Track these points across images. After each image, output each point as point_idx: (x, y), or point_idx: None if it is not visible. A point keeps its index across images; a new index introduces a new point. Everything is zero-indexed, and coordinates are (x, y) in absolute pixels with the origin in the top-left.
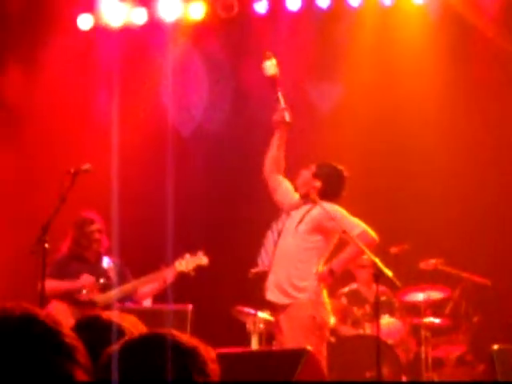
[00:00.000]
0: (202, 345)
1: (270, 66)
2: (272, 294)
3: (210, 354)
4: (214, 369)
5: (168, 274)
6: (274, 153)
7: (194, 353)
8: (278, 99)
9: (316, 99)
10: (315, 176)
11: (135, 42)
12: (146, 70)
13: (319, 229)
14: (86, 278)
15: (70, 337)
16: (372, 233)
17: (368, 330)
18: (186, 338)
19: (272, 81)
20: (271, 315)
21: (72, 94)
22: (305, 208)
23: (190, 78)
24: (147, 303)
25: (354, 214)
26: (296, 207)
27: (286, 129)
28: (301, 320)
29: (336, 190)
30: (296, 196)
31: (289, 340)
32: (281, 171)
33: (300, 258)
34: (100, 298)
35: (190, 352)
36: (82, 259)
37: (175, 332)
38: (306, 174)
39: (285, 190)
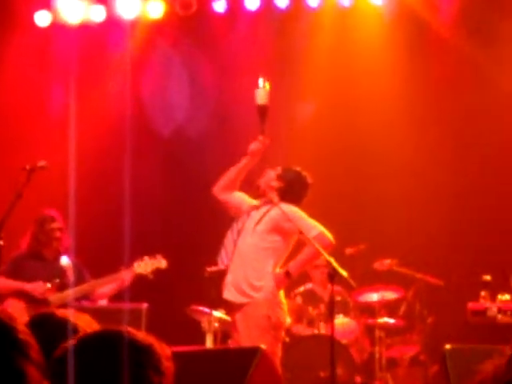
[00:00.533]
0: (158, 342)
1: (263, 95)
2: (229, 293)
3: (165, 351)
4: (168, 367)
5: (126, 276)
6: (233, 176)
7: (149, 350)
8: (262, 131)
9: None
10: (279, 177)
11: (93, 39)
12: (104, 68)
13: (277, 229)
14: (38, 285)
15: (24, 333)
16: (329, 235)
17: (322, 329)
18: (141, 335)
19: (261, 110)
20: (227, 314)
21: (29, 90)
22: (264, 208)
23: (149, 75)
24: (103, 301)
25: (311, 214)
26: (256, 208)
27: (256, 160)
28: (256, 319)
29: (297, 194)
30: (252, 200)
31: (244, 339)
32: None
33: (257, 257)
34: (56, 296)
35: (145, 349)
36: (40, 257)
37: (130, 329)
38: (270, 173)
39: (238, 197)
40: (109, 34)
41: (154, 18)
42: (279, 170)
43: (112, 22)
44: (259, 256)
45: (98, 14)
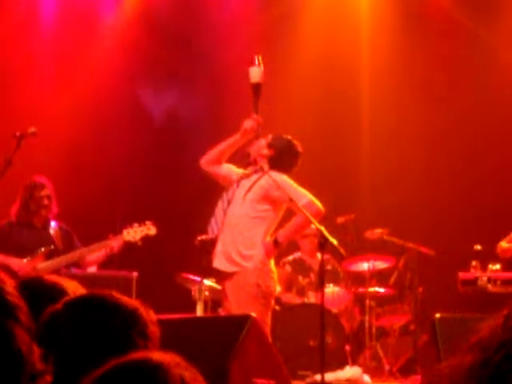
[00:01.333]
0: (143, 307)
1: (257, 73)
2: (219, 262)
3: (150, 316)
4: (154, 331)
5: (115, 243)
6: (221, 150)
7: (135, 314)
8: (255, 108)
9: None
10: (270, 146)
11: (81, 7)
12: (95, 35)
13: (267, 198)
14: (20, 263)
15: (13, 295)
16: (318, 204)
17: (312, 298)
18: (126, 299)
19: (255, 88)
20: (217, 283)
21: (19, 56)
22: (254, 177)
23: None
24: (93, 269)
25: (303, 183)
26: (246, 176)
27: (248, 138)
28: (246, 288)
29: (288, 162)
30: (240, 170)
31: (234, 307)
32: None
33: (247, 226)
34: (45, 264)
35: (131, 313)
36: (29, 225)
37: (116, 294)
38: (261, 142)
39: (226, 168)
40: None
41: None
42: (270, 138)
43: None
44: (249, 225)
45: None
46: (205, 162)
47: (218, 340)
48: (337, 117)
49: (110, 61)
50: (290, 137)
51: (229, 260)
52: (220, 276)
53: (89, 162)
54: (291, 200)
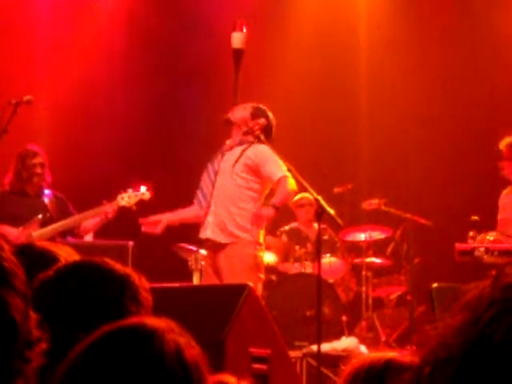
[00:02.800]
0: (135, 274)
1: (239, 39)
2: (212, 234)
3: (143, 282)
4: (146, 297)
5: (110, 209)
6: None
7: (127, 280)
8: (237, 76)
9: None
10: (255, 115)
11: None
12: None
13: (255, 169)
14: (14, 232)
15: (10, 261)
16: (292, 182)
17: (309, 268)
18: (118, 266)
19: (237, 54)
20: (212, 253)
21: (15, 25)
22: (239, 149)
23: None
24: (89, 238)
25: (301, 154)
26: (229, 148)
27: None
28: (244, 258)
29: (271, 133)
30: None
31: (229, 278)
32: None
33: (242, 197)
34: (39, 232)
35: (123, 279)
36: (23, 193)
37: (108, 260)
38: (243, 112)
39: None
40: None
41: None
42: (249, 107)
43: None
44: (244, 196)
45: None
46: None
47: (214, 309)
48: (333, 87)
49: (108, 34)
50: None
51: (224, 231)
52: (212, 247)
53: (84, 131)
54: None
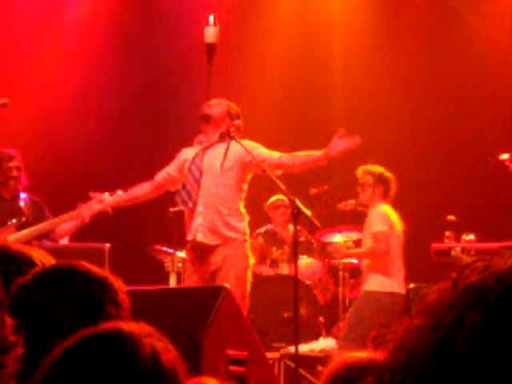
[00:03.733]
0: (112, 276)
1: (212, 33)
2: (204, 236)
3: (120, 284)
4: (124, 299)
5: (86, 213)
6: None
7: (105, 282)
8: (209, 71)
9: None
10: (230, 114)
11: None
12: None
13: (243, 165)
14: None
15: None
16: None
17: (286, 270)
18: (96, 268)
19: (209, 48)
20: (199, 257)
21: None
22: (221, 146)
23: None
24: (64, 242)
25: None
26: (209, 146)
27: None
28: (238, 259)
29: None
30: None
31: (224, 278)
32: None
33: (231, 196)
34: (15, 236)
35: (101, 281)
36: None
37: (85, 263)
38: (220, 108)
39: (175, 162)
40: None
41: None
42: (226, 104)
43: None
44: (234, 195)
45: None
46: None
47: (191, 311)
48: (313, 86)
49: (85, 31)
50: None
51: (215, 233)
52: (204, 249)
53: (60, 133)
54: (264, 170)
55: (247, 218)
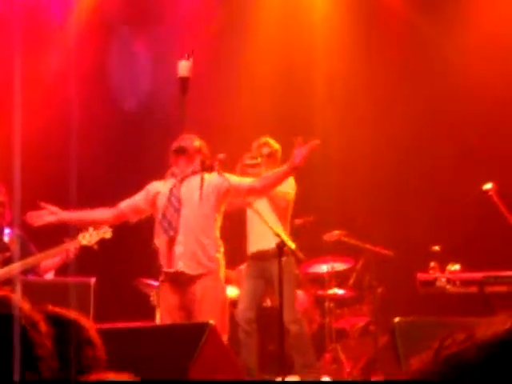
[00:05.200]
0: (81, 316)
1: (185, 67)
2: (184, 266)
3: (90, 323)
4: (97, 337)
5: (71, 248)
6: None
7: (78, 324)
8: (182, 102)
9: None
10: (203, 151)
11: (37, 11)
12: (48, 41)
13: (218, 196)
14: None
15: None
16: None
17: (270, 301)
18: (63, 311)
19: (183, 82)
20: (179, 286)
21: None
22: (196, 178)
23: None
24: (50, 276)
25: None
26: (185, 177)
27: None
28: (216, 292)
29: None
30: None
31: (204, 312)
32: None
33: (211, 227)
34: (0, 271)
35: (75, 324)
36: None
37: (52, 307)
38: (193, 142)
39: (143, 194)
40: (52, 6)
41: None
42: (197, 139)
43: None
44: (212, 226)
45: None
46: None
47: (177, 348)
48: (293, 118)
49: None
50: None
51: (197, 262)
52: (184, 280)
53: (43, 168)
54: (249, 204)
55: (222, 248)
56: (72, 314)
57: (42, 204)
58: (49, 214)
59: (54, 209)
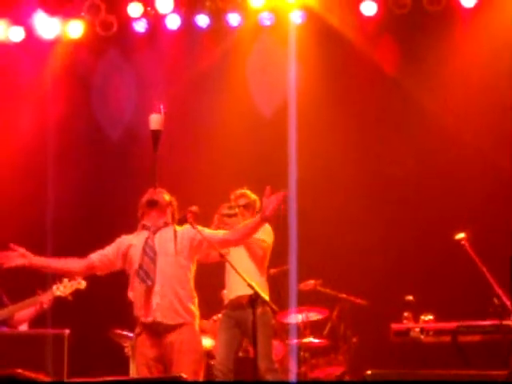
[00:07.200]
0: (46, 376)
1: (156, 120)
2: (162, 316)
3: None
4: None
5: (45, 299)
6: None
7: None
8: (155, 156)
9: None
10: (169, 204)
11: (12, 59)
12: (21, 88)
13: (191, 248)
14: None
15: None
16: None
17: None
18: (30, 373)
19: (155, 135)
20: (155, 336)
21: None
22: (168, 230)
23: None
24: (23, 328)
25: None
26: (157, 229)
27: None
28: (192, 344)
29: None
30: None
31: (183, 364)
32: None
33: (186, 278)
34: None
35: None
36: None
37: (21, 372)
38: (165, 195)
39: (115, 246)
40: (28, 53)
41: (74, 37)
42: (167, 193)
43: (31, 42)
44: (187, 277)
45: (16, 35)
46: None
47: None
48: (264, 157)
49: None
50: None
51: (174, 312)
52: (160, 330)
53: (16, 210)
54: (222, 255)
55: (197, 299)
56: (40, 375)
57: (13, 246)
58: (19, 257)
59: (25, 252)
